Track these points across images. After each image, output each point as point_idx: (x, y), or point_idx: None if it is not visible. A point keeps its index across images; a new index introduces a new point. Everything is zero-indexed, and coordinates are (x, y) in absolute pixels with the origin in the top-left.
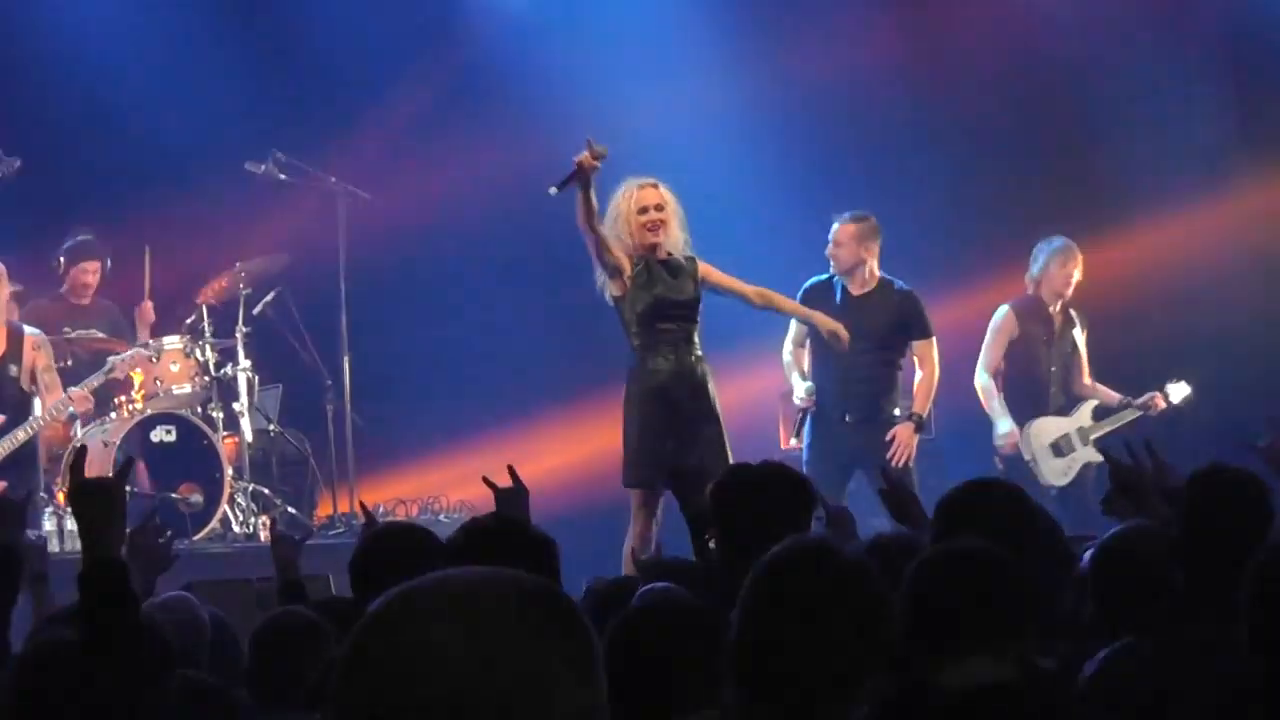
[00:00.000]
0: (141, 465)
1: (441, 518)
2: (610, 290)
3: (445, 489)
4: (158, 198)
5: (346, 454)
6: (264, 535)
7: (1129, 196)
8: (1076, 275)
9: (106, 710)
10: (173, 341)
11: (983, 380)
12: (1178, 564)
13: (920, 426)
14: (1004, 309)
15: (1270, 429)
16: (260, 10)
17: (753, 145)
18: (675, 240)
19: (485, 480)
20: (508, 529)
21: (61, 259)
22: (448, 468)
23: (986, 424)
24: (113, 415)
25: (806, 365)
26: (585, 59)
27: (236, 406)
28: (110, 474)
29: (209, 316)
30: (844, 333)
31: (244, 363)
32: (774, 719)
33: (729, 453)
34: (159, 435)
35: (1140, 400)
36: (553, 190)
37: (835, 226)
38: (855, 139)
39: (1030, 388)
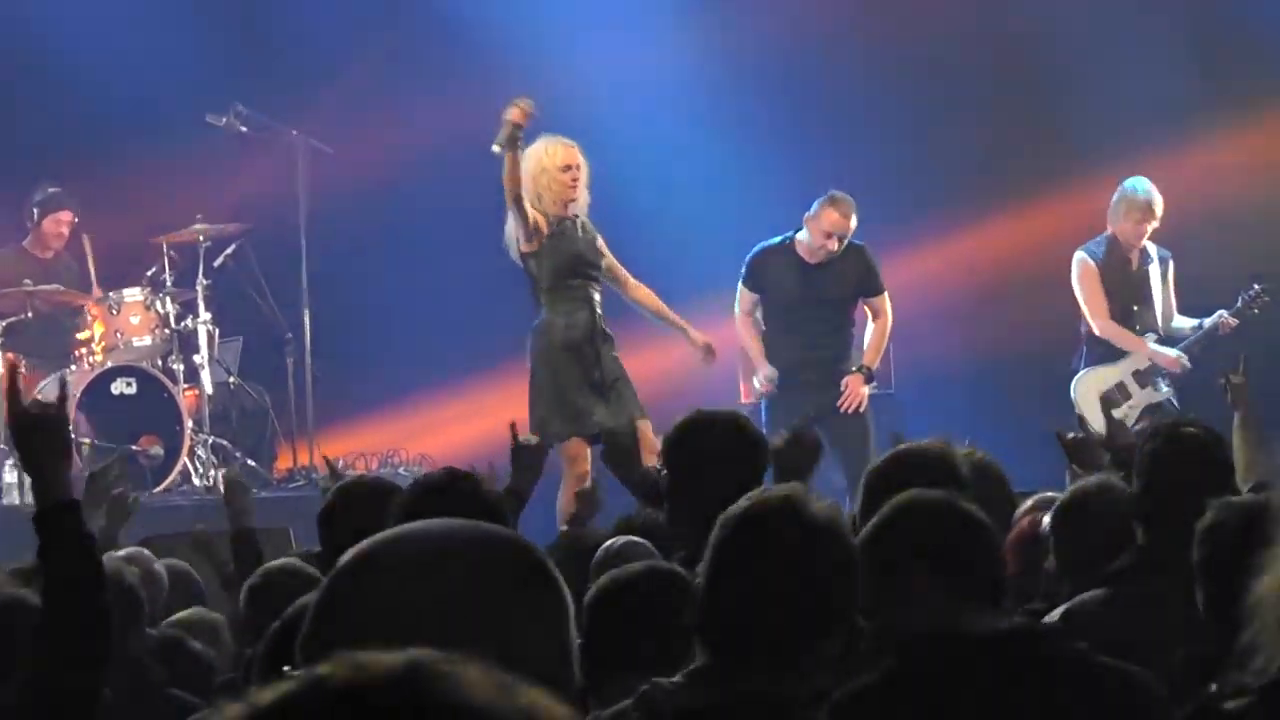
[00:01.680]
0: (82, 415)
1: (401, 470)
2: (521, 247)
3: (405, 442)
4: (118, 150)
5: (306, 407)
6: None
7: (1093, 150)
8: (1152, 227)
9: (72, 659)
10: (133, 294)
11: (1107, 326)
12: (1137, 520)
13: (870, 378)
14: (1080, 256)
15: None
16: None
17: (713, 99)
18: (584, 203)
19: (512, 427)
20: (459, 487)
21: (35, 210)
22: (407, 421)
23: (943, 377)
24: (73, 367)
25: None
26: (549, 14)
27: (197, 359)
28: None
29: (170, 269)
30: (713, 352)
31: (204, 315)
32: (748, 673)
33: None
34: (119, 388)
35: (1209, 322)
36: (496, 149)
37: (844, 224)
38: (818, 91)
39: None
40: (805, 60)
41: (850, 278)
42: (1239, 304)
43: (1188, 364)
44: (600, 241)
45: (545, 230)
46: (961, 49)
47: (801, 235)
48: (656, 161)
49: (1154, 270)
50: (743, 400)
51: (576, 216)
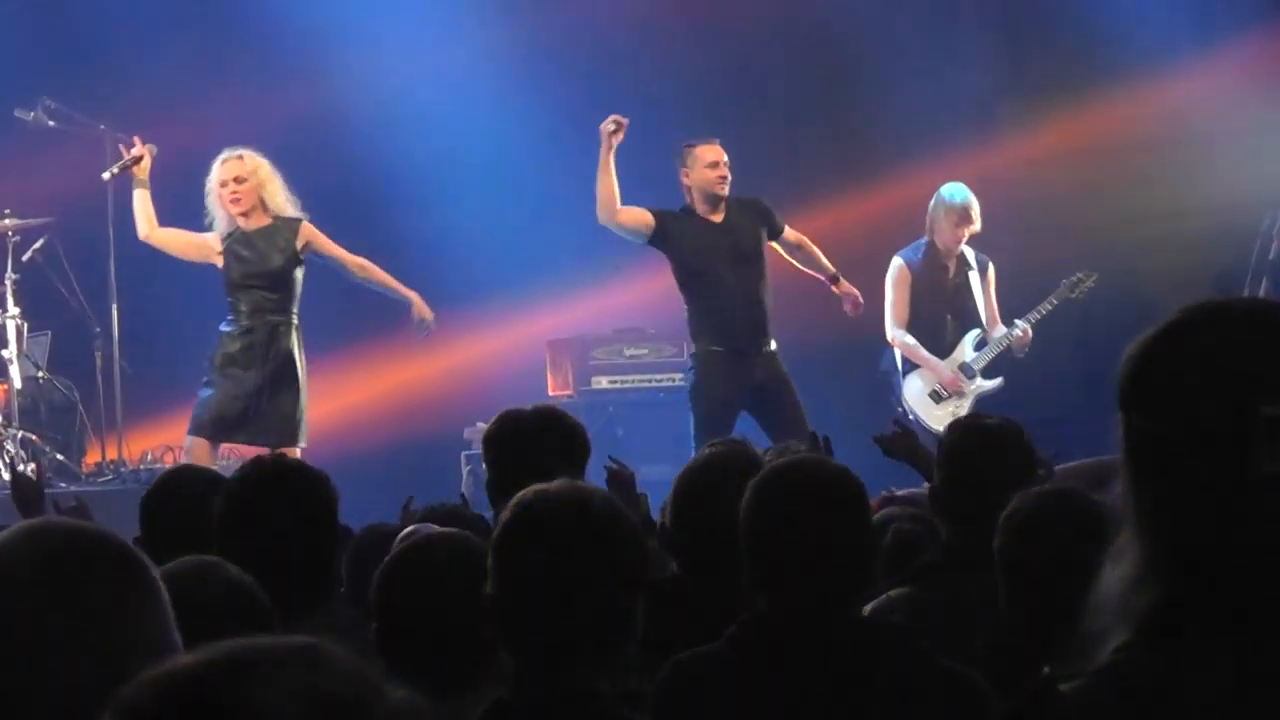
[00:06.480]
0: None
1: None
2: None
3: None
4: None
5: (115, 401)
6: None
7: (899, 144)
8: (970, 231)
9: None
10: None
11: (898, 335)
12: (939, 515)
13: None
14: (897, 262)
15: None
16: None
17: (518, 95)
18: (271, 206)
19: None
20: (288, 470)
21: None
22: None
23: None
24: None
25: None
26: (357, 11)
27: (5, 354)
28: None
29: None
30: (429, 327)
31: (12, 310)
32: (542, 679)
33: (301, 423)
34: None
35: (1002, 337)
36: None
37: (721, 152)
38: (619, 90)
39: (926, 336)
40: (605, 57)
41: (756, 224)
42: (1061, 288)
43: (968, 384)
44: (306, 235)
45: (218, 246)
46: (763, 45)
47: (692, 193)
48: (459, 156)
49: (973, 277)
50: (549, 393)
51: (260, 223)
